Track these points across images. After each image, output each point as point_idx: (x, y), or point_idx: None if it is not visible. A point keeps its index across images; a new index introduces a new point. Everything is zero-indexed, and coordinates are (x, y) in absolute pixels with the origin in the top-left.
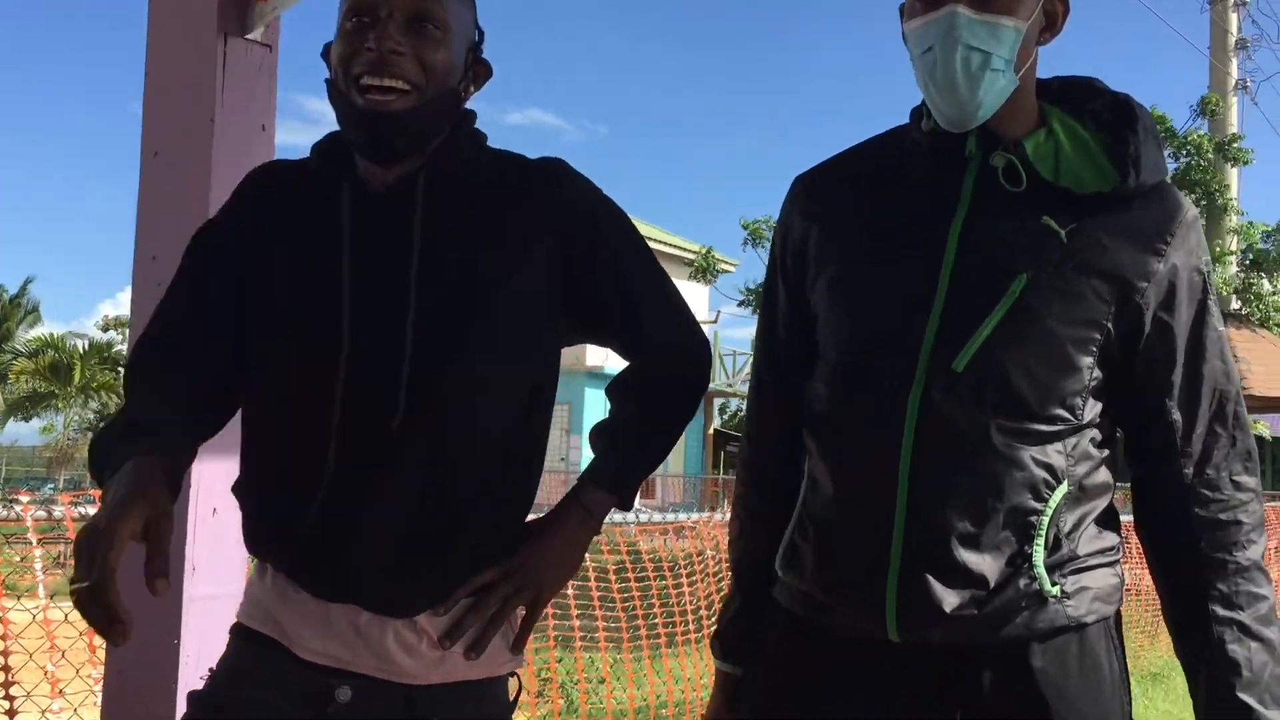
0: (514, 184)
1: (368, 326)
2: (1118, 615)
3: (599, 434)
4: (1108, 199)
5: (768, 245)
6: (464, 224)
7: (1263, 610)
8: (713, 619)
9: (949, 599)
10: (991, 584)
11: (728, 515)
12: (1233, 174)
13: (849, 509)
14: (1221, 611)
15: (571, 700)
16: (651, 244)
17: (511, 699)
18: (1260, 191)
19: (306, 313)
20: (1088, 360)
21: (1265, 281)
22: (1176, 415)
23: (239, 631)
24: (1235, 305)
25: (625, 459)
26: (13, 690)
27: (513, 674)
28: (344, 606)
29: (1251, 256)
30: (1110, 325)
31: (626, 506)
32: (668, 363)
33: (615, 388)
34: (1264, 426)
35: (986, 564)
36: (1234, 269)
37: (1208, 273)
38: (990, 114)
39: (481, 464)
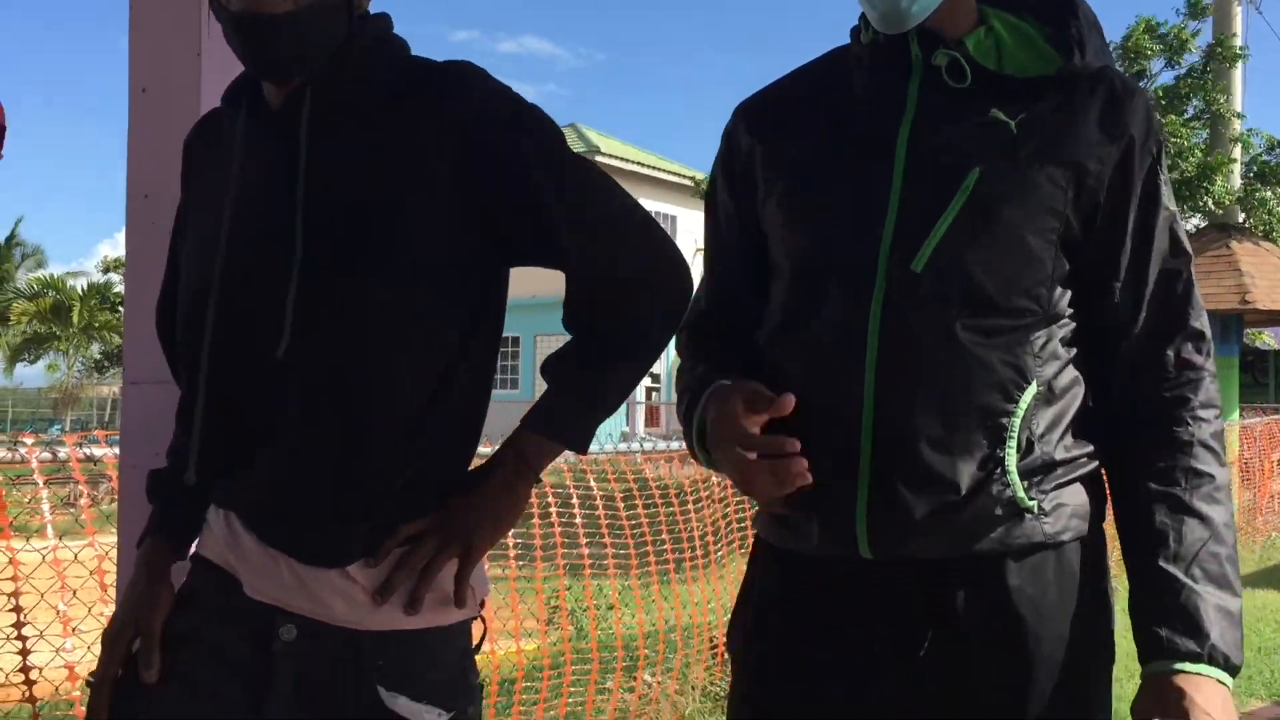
0: (416, 93)
1: (248, 251)
2: (1103, 535)
3: (546, 371)
4: (1054, 83)
5: None
6: (360, 139)
7: (1205, 488)
8: (719, 545)
9: (920, 506)
10: (963, 490)
11: None
12: (1236, 81)
13: (815, 422)
14: (1155, 486)
15: (581, 627)
16: (652, 171)
17: (474, 644)
18: (1268, 102)
19: (199, 247)
20: (1049, 249)
21: (1269, 193)
22: (1123, 293)
23: (196, 561)
24: (1240, 218)
25: (568, 400)
26: (25, 630)
27: (477, 618)
28: (278, 551)
29: (1256, 168)
30: (1069, 212)
31: (579, 449)
32: (618, 288)
33: (568, 318)
34: (1269, 338)
35: (957, 468)
36: (1238, 180)
37: (1159, 152)
38: (926, 13)
39: (403, 402)
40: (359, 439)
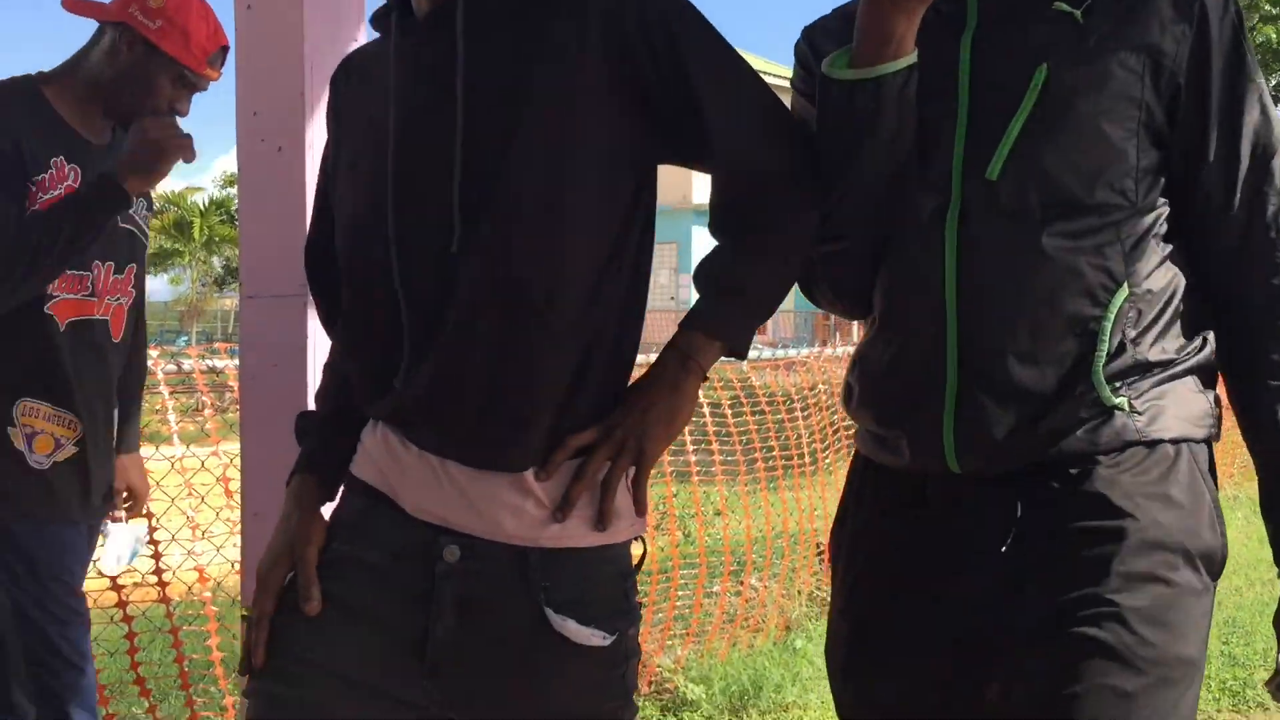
0: None
1: (416, 157)
2: (1209, 448)
3: (699, 274)
4: None
5: None
6: (515, 31)
7: None
8: (826, 451)
9: (1005, 420)
10: (1050, 400)
11: (839, 349)
12: None
13: (902, 342)
14: (1275, 382)
15: (689, 532)
16: (768, 78)
17: (634, 565)
18: None
19: (364, 169)
20: (1131, 139)
21: None
22: (1215, 175)
23: (351, 484)
24: None
25: (726, 299)
26: (157, 535)
27: (638, 538)
28: (446, 461)
29: None
30: (1148, 98)
31: (738, 354)
32: (764, 179)
33: (715, 221)
34: None
35: (1045, 379)
36: None
37: (1239, 24)
38: None
39: (563, 295)
40: (523, 332)
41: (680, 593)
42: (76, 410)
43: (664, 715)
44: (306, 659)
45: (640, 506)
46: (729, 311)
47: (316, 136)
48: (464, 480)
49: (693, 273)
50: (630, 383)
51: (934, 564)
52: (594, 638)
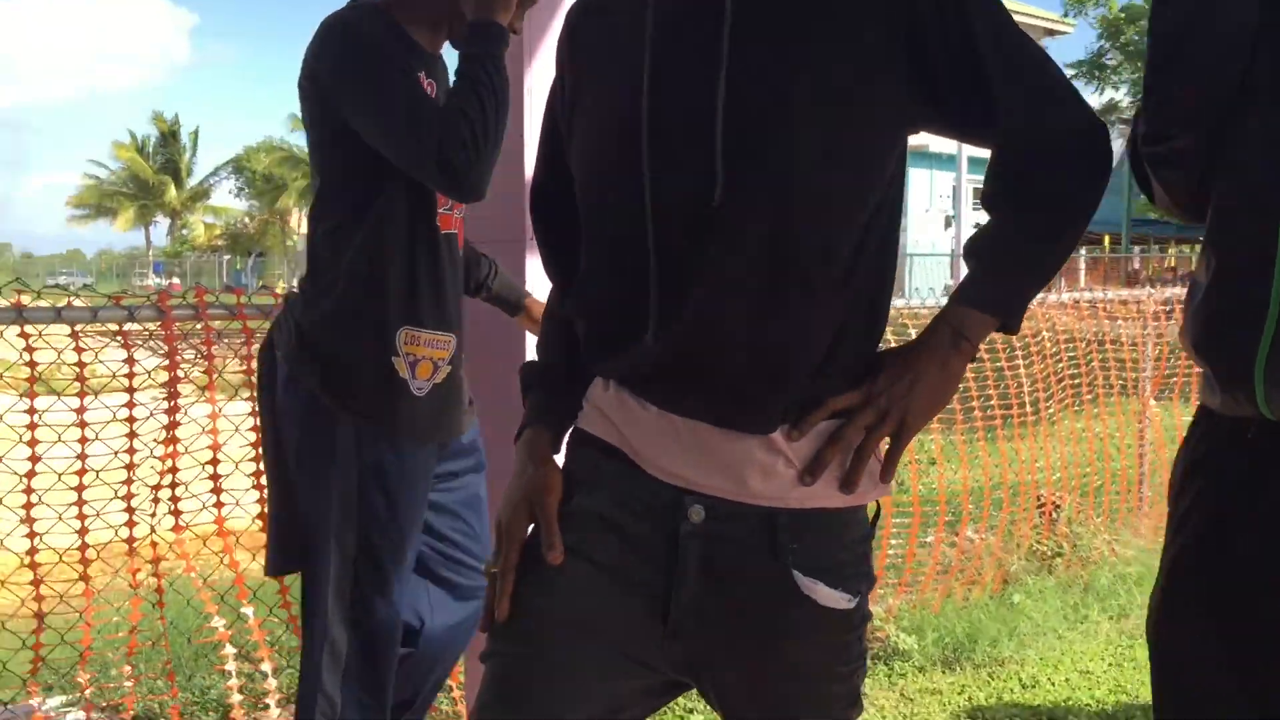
0: None
1: (671, 103)
2: None
3: (974, 249)
4: None
5: (1089, 12)
6: None
7: None
8: (1049, 401)
9: None
10: None
11: (1064, 295)
12: None
13: (1224, 262)
14: None
15: (902, 481)
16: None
17: (870, 524)
18: None
19: (607, 103)
20: None
21: None
22: None
23: (581, 439)
24: None
25: (1006, 276)
26: None
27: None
28: (691, 422)
29: None
30: None
31: (1010, 328)
32: (1047, 146)
33: (992, 193)
34: None
35: None
36: None
37: None
38: None
39: (823, 256)
40: (790, 291)
41: (893, 542)
42: (451, 327)
43: (874, 664)
44: (547, 613)
45: (888, 474)
46: (1008, 288)
47: (535, 83)
48: (710, 440)
49: (967, 245)
50: (892, 348)
51: (1246, 530)
52: (840, 600)
